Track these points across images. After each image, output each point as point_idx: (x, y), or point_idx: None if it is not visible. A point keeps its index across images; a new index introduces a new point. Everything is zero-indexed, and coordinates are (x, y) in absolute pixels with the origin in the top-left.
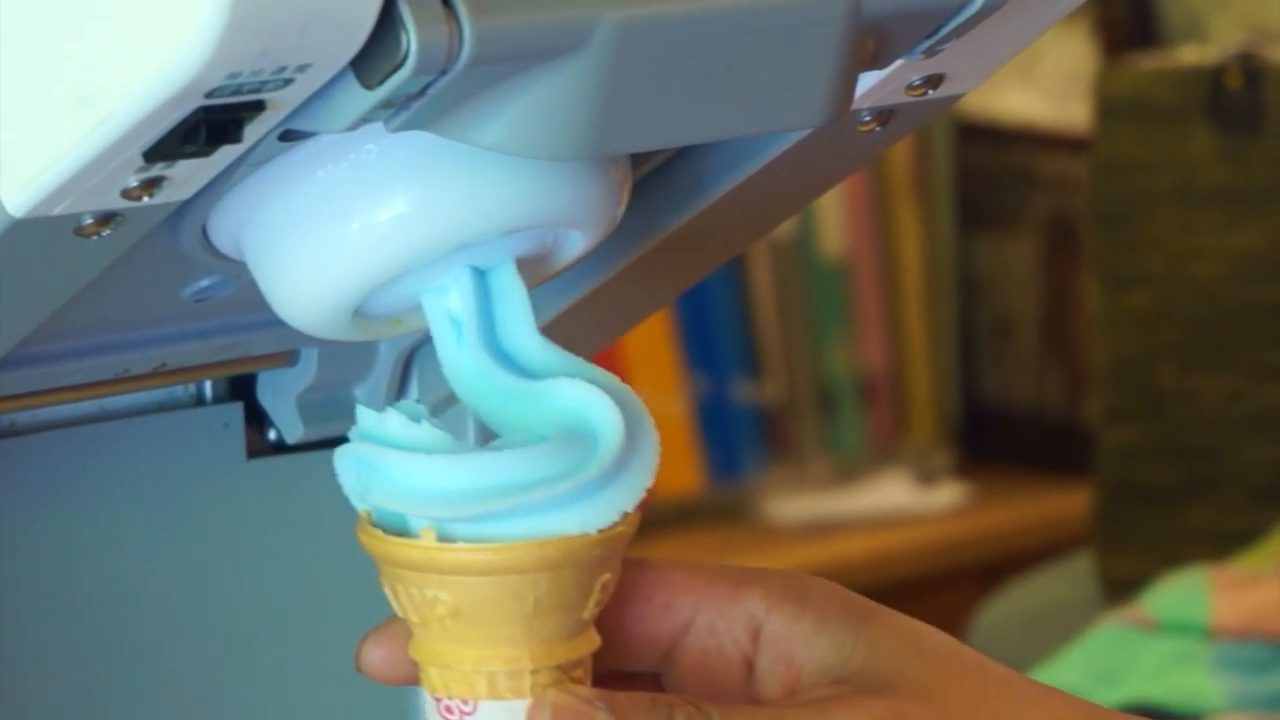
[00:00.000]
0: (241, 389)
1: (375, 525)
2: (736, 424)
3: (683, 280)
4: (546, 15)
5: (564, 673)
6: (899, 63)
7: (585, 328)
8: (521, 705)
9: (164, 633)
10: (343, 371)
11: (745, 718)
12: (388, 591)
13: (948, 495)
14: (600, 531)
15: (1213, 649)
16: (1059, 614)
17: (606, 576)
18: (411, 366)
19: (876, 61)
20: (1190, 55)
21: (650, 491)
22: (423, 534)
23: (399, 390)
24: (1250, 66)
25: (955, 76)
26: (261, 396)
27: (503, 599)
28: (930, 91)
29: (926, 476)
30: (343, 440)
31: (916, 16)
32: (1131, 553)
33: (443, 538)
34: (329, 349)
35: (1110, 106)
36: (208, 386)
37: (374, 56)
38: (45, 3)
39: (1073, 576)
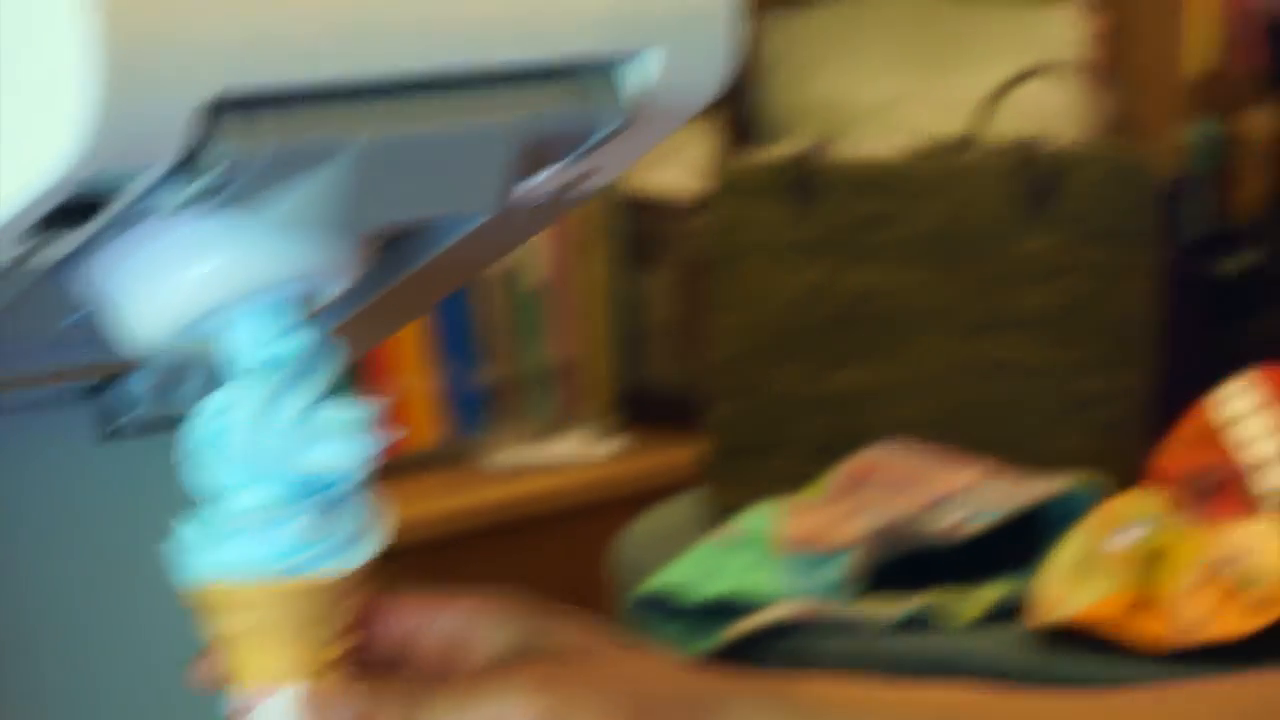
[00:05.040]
0: None
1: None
2: (472, 397)
3: (423, 305)
4: (302, 137)
5: (329, 668)
6: (554, 167)
7: (356, 336)
8: (294, 691)
9: (25, 616)
10: (190, 359)
11: (399, 693)
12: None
13: (613, 447)
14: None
15: (781, 555)
16: (682, 533)
17: (354, 599)
18: None
19: (536, 169)
20: (780, 149)
21: (403, 443)
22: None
23: None
24: (818, 156)
25: (601, 172)
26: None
27: (280, 622)
28: (583, 185)
29: (599, 434)
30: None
31: (560, 140)
32: (735, 489)
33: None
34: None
35: (724, 183)
36: None
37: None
38: None
39: (694, 505)
